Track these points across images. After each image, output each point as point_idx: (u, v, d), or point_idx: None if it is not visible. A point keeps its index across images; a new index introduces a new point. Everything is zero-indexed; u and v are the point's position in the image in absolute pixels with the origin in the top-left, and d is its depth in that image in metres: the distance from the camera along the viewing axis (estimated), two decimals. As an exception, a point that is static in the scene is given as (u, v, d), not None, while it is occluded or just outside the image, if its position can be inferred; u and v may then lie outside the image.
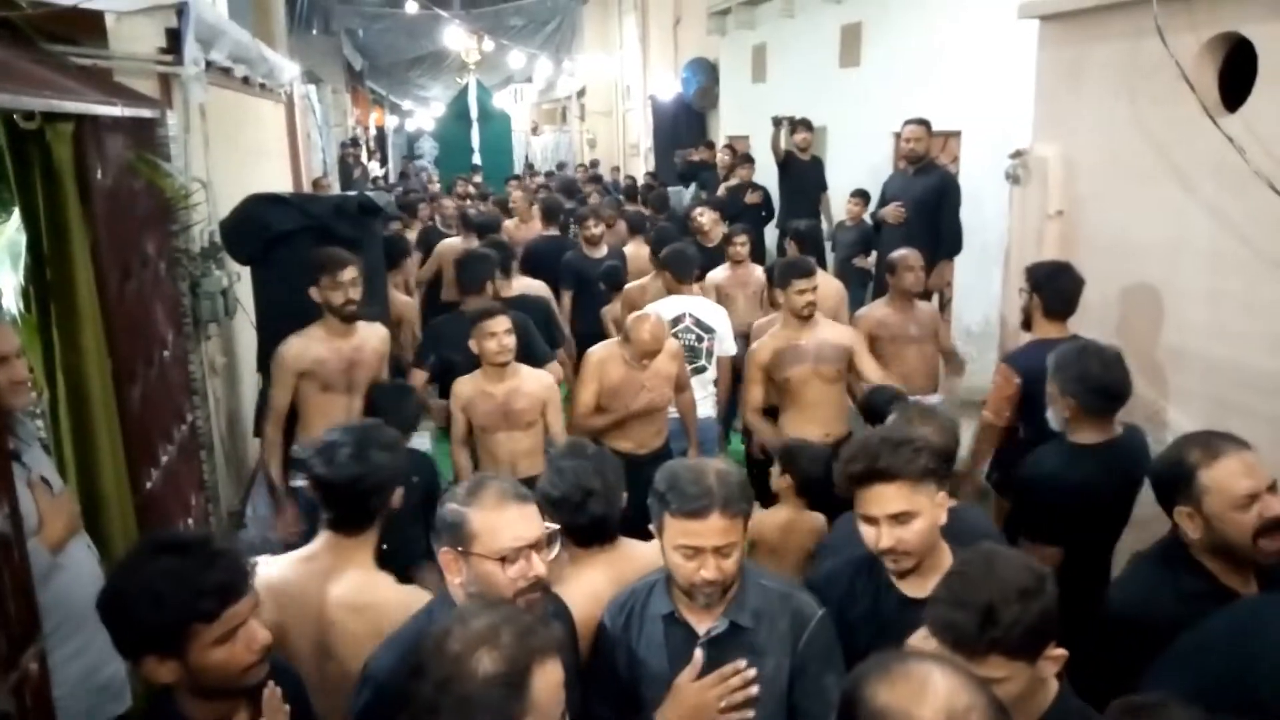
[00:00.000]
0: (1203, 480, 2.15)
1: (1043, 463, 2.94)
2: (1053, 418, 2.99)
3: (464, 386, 3.78)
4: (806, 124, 7.83)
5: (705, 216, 6.57)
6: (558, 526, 2.02)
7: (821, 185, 7.93)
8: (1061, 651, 1.73)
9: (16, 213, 3.10)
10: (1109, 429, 2.90)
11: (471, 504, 1.89)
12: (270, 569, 2.30)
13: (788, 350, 4.03)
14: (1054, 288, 3.58)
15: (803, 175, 7.87)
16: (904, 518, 2.06)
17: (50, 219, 2.78)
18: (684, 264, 4.86)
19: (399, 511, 2.47)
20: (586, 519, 2.33)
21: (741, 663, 1.96)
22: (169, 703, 1.72)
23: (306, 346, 3.73)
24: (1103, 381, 2.83)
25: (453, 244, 7.20)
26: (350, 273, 3.73)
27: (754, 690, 1.95)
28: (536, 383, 3.83)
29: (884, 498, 2.07)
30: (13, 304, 3.44)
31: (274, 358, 3.74)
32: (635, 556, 2.39)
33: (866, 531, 2.13)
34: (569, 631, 2.09)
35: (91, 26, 3.63)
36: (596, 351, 4.10)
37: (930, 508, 2.08)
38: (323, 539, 2.35)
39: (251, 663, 1.68)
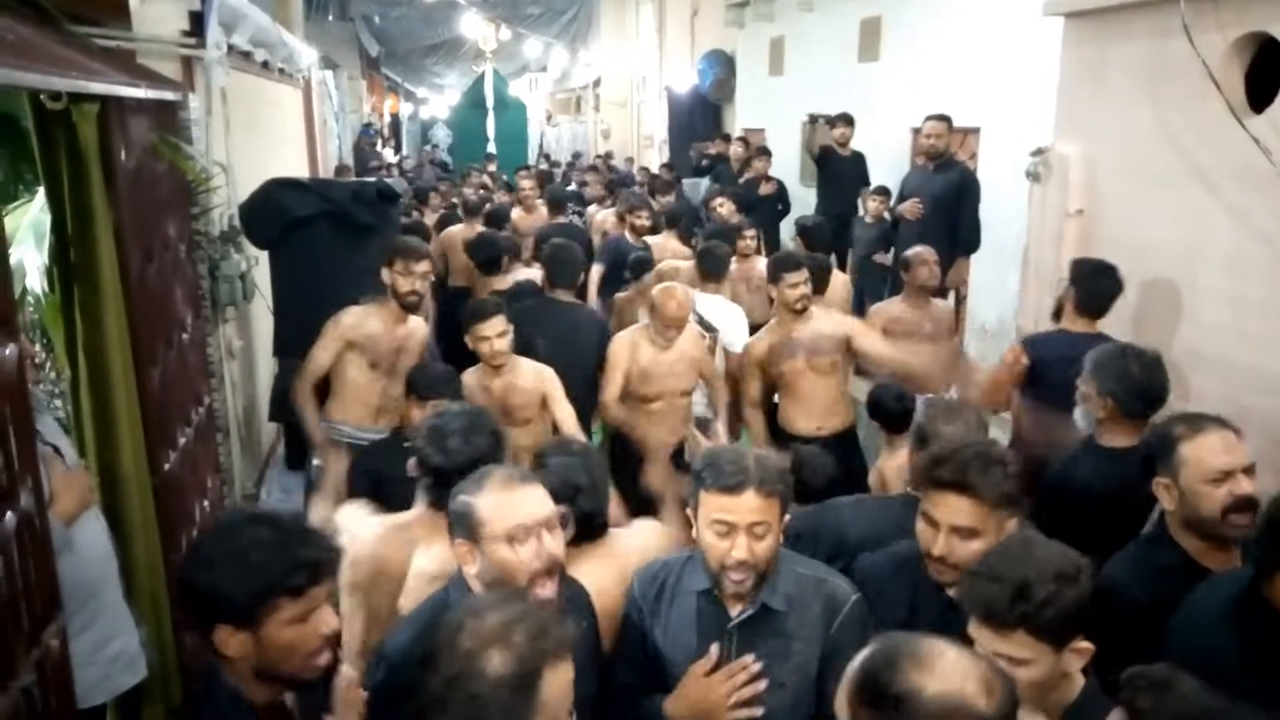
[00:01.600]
0: (1182, 452, 2.22)
1: (1074, 469, 2.90)
2: (1081, 418, 2.95)
3: (468, 378, 3.73)
4: (846, 119, 7.69)
5: (725, 208, 6.57)
6: (566, 507, 2.01)
7: (862, 180, 7.69)
8: (1088, 645, 1.74)
9: (41, 192, 3.12)
10: (1139, 433, 2.84)
11: (478, 492, 1.90)
12: (365, 529, 2.39)
13: (782, 344, 4.02)
14: (1093, 285, 3.53)
15: (841, 171, 7.75)
16: (967, 534, 2.06)
17: (75, 200, 2.79)
18: (715, 262, 4.89)
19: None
20: (576, 515, 2.29)
21: (749, 658, 1.95)
22: (221, 685, 1.71)
23: (364, 319, 3.77)
24: (1142, 384, 2.79)
25: (456, 231, 7.24)
26: (424, 266, 3.78)
27: (761, 686, 1.94)
28: (532, 378, 3.77)
29: (956, 509, 2.07)
30: (37, 283, 3.47)
31: (329, 321, 3.75)
32: (625, 550, 2.39)
33: (924, 531, 2.13)
34: (589, 617, 2.10)
35: (115, 8, 3.65)
36: (623, 337, 4.11)
37: (995, 532, 2.07)
38: (418, 511, 2.40)
39: (318, 648, 1.68)
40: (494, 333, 3.59)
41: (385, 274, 3.74)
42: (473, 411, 2.53)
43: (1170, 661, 1.65)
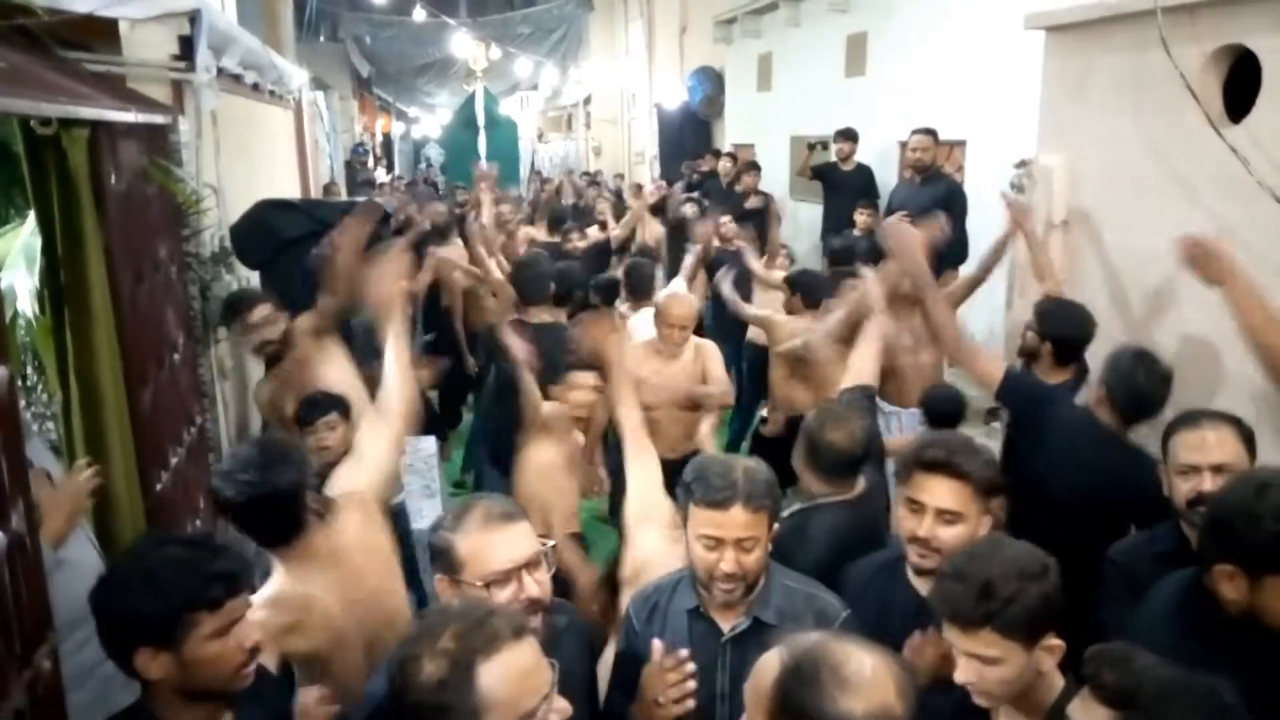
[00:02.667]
0: (1172, 442, 2.39)
1: (1064, 404, 3.04)
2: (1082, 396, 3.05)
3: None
4: (846, 134, 7.71)
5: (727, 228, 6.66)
6: (552, 543, 1.97)
7: (864, 193, 7.54)
8: (1059, 643, 1.76)
9: (32, 216, 3.14)
10: (1123, 433, 2.94)
11: (457, 529, 1.86)
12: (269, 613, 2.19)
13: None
14: (1065, 335, 3.51)
15: (842, 185, 7.75)
16: (952, 518, 2.12)
17: (65, 223, 2.81)
18: (641, 280, 5.05)
19: None
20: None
21: (683, 652, 1.90)
22: (146, 712, 1.71)
23: (266, 389, 3.79)
24: (1141, 390, 2.87)
25: (450, 251, 7.25)
26: (261, 312, 3.71)
27: (690, 686, 1.88)
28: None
29: (942, 492, 2.13)
30: (28, 306, 3.48)
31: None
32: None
33: (907, 519, 2.18)
34: (583, 644, 2.10)
35: (105, 33, 3.67)
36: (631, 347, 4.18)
37: (976, 519, 2.14)
38: (278, 568, 2.28)
39: (243, 661, 1.69)
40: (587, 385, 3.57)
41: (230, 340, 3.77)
42: (270, 444, 2.38)
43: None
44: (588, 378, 3.56)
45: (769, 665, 1.41)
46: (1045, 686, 1.79)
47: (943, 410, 3.73)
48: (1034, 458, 3.06)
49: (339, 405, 3.31)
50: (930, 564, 2.13)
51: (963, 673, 1.76)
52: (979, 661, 1.73)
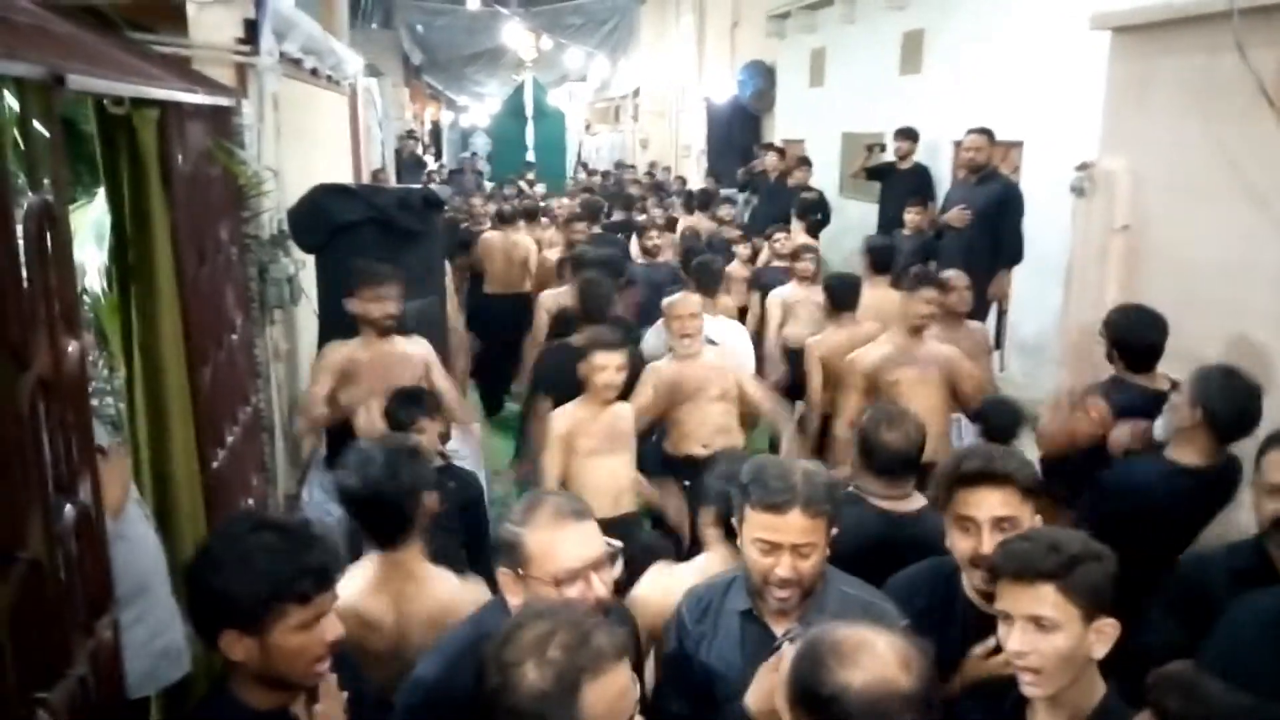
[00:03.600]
0: (1264, 460, 2.35)
1: (1134, 476, 2.90)
2: (1161, 427, 2.94)
3: (563, 413, 3.72)
4: (904, 132, 7.63)
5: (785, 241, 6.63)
6: (620, 544, 1.96)
7: (918, 193, 7.42)
8: (1112, 622, 1.74)
9: (101, 194, 3.20)
10: (1217, 454, 2.83)
11: (527, 524, 1.86)
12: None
13: (899, 356, 4.06)
14: (1136, 342, 3.39)
15: (898, 184, 7.67)
16: (1008, 524, 2.05)
17: (134, 202, 2.85)
18: (710, 275, 4.98)
19: (433, 522, 2.49)
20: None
21: None
22: (227, 690, 1.74)
23: (345, 349, 3.87)
24: (1240, 407, 2.78)
25: (493, 238, 7.36)
26: (390, 289, 3.83)
27: None
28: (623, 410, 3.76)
29: (990, 501, 2.07)
30: (96, 282, 3.55)
31: (316, 359, 3.85)
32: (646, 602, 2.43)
33: (961, 541, 2.11)
34: (631, 641, 2.10)
35: (173, 16, 3.75)
36: (651, 367, 4.18)
37: (1029, 521, 2.08)
38: (371, 563, 2.37)
39: (322, 655, 1.71)
40: (614, 365, 3.58)
41: (353, 304, 3.83)
42: (390, 438, 2.53)
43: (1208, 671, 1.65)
44: (614, 357, 3.58)
45: (787, 658, 1.49)
46: (1087, 687, 1.76)
47: (1001, 421, 3.66)
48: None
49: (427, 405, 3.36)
50: (993, 589, 2.06)
51: (1016, 641, 1.72)
52: (1034, 627, 1.70)
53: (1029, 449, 3.73)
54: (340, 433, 3.91)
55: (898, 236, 7.11)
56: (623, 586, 2.48)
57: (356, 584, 2.33)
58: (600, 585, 1.84)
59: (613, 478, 3.72)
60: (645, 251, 6.42)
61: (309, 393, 3.84)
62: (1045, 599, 1.70)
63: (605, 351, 3.59)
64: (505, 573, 1.88)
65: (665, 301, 4.21)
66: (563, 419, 3.68)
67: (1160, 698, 1.51)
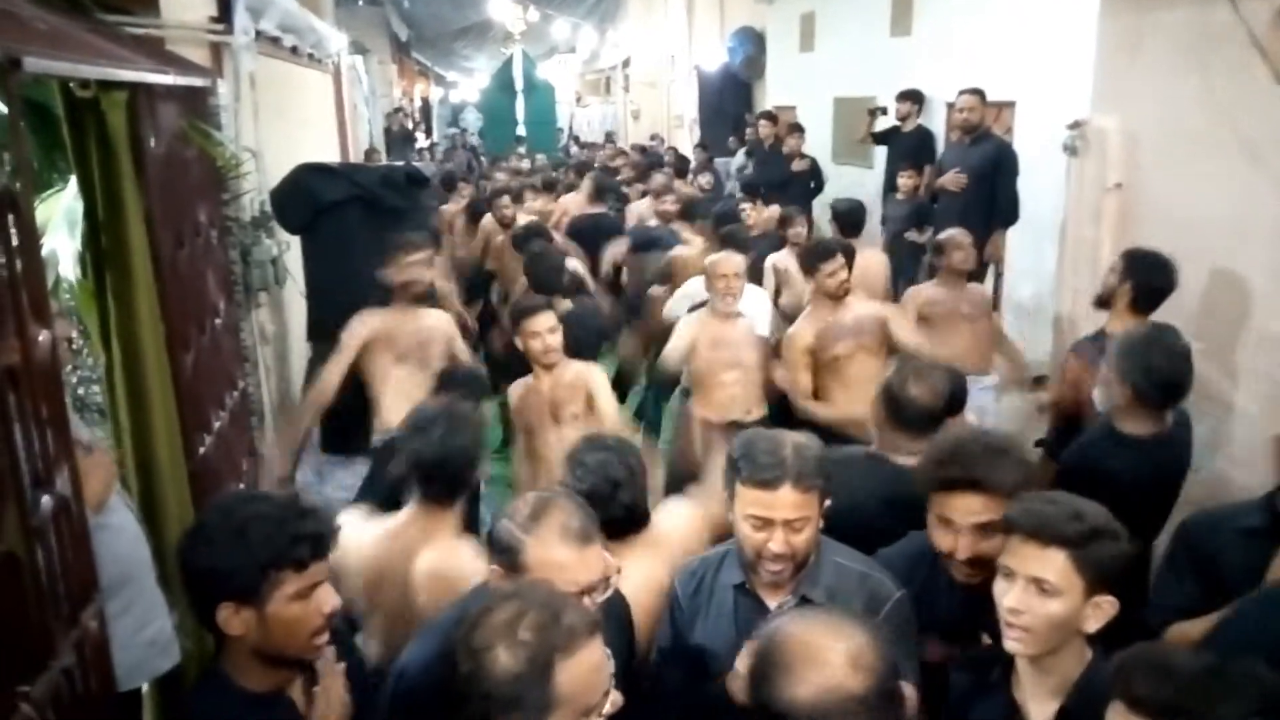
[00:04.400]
0: None
1: (1086, 452, 2.84)
2: (1100, 399, 2.90)
3: (515, 386, 3.68)
4: (906, 95, 7.52)
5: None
6: (618, 568, 1.91)
7: (915, 155, 7.28)
8: (1112, 602, 1.72)
9: (73, 180, 3.15)
10: (1160, 422, 2.78)
11: (531, 532, 1.80)
12: (360, 535, 2.39)
13: (826, 330, 3.94)
14: (1151, 282, 3.35)
15: (901, 148, 7.55)
16: (990, 529, 1.99)
17: (105, 187, 2.81)
18: (737, 244, 4.85)
19: None
20: (620, 510, 2.27)
21: None
22: (222, 673, 1.72)
23: (377, 318, 3.81)
24: (1164, 376, 2.70)
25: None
26: (420, 255, 3.82)
27: None
28: (576, 374, 3.64)
29: (972, 508, 2.02)
30: (71, 270, 3.51)
31: (344, 333, 3.77)
32: (663, 538, 2.38)
33: (941, 537, 2.07)
34: (623, 624, 2.08)
35: (144, -4, 3.67)
36: (689, 316, 4.17)
37: None
38: (412, 510, 2.41)
39: (320, 626, 1.69)
40: (544, 328, 3.50)
41: (387, 273, 3.80)
42: (450, 403, 2.54)
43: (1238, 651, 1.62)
44: (541, 319, 3.53)
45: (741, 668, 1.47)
46: (1074, 656, 1.74)
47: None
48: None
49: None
50: (976, 579, 2.01)
51: (1014, 598, 1.70)
52: (1036, 589, 1.69)
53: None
54: (336, 414, 3.87)
55: (891, 201, 7.07)
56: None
57: (394, 527, 2.38)
58: (592, 606, 1.77)
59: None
60: (660, 216, 6.42)
61: (327, 369, 3.75)
62: (1054, 564, 1.68)
63: (531, 317, 3.51)
64: (497, 569, 1.84)
65: (710, 260, 4.18)
66: (514, 393, 3.65)
67: (1127, 683, 1.45)
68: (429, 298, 3.92)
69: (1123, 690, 1.45)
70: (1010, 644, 1.73)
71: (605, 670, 1.47)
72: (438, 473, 2.38)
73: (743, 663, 1.86)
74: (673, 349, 4.05)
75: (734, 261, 4.09)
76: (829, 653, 1.36)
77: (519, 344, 3.58)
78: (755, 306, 4.69)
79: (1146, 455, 2.75)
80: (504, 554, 1.82)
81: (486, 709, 1.40)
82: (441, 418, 2.42)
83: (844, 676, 1.34)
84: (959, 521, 2.03)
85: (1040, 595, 1.68)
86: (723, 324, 4.07)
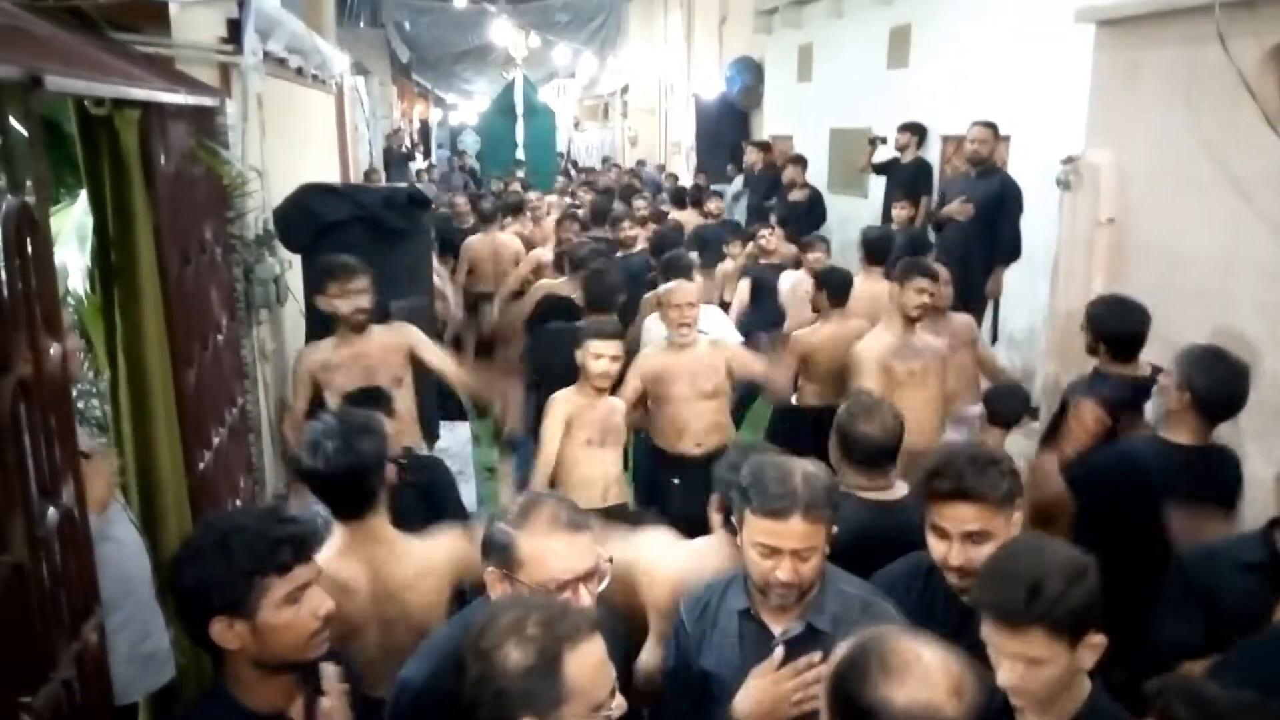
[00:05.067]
0: None
1: (1134, 458, 2.89)
2: (1152, 409, 2.94)
3: (559, 400, 3.72)
4: (906, 127, 7.63)
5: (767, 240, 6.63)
6: (610, 556, 1.93)
7: (914, 187, 7.44)
8: (1101, 639, 1.74)
9: (84, 195, 3.19)
10: (1204, 436, 2.84)
11: (523, 527, 1.84)
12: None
13: (903, 347, 4.00)
14: (1118, 331, 3.39)
15: (900, 179, 7.66)
16: (979, 537, 2.07)
17: (116, 203, 2.84)
18: (679, 270, 4.93)
19: (397, 510, 2.49)
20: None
21: (816, 656, 1.89)
22: (224, 692, 1.74)
23: (320, 351, 3.81)
24: (1226, 387, 2.78)
25: (478, 239, 7.39)
26: (359, 283, 3.74)
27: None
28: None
29: (963, 516, 2.08)
30: (79, 284, 3.54)
31: (295, 363, 3.78)
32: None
33: (935, 544, 2.14)
34: (617, 636, 2.10)
35: (155, 16, 3.71)
36: (641, 355, 4.17)
37: (1005, 529, 2.10)
38: (339, 534, 2.36)
39: (316, 629, 1.71)
40: (610, 354, 3.60)
41: (323, 302, 3.76)
42: (346, 415, 2.50)
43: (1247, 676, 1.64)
44: (609, 345, 3.60)
45: (834, 657, 1.45)
46: (1075, 689, 1.77)
47: (1007, 407, 3.66)
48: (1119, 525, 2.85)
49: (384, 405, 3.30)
50: (969, 584, 2.05)
51: (1005, 675, 1.72)
52: (1023, 663, 1.71)
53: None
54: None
55: (889, 230, 7.13)
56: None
57: (327, 553, 2.30)
58: (587, 596, 1.83)
59: (604, 469, 3.73)
60: (620, 244, 6.43)
61: (292, 409, 3.79)
62: (1033, 641, 1.69)
63: (602, 340, 3.61)
64: (493, 572, 1.87)
65: (662, 289, 4.20)
66: (561, 405, 3.68)
67: (1167, 706, 1.48)
68: (377, 320, 3.86)
69: (1163, 711, 1.49)
70: (1015, 702, 1.76)
71: (609, 670, 1.50)
72: (337, 487, 2.34)
73: (744, 698, 1.92)
74: (625, 398, 3.96)
75: (688, 291, 4.10)
76: (937, 672, 1.36)
77: (577, 357, 3.64)
78: (716, 324, 4.74)
79: (1186, 463, 2.80)
80: (499, 553, 1.85)
81: (499, 708, 1.43)
82: (334, 431, 2.36)
83: (943, 699, 1.34)
84: (951, 530, 2.10)
85: (1030, 667, 1.71)
86: (678, 355, 4.05)
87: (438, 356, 4.03)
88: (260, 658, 1.70)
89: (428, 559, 2.39)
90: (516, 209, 8.36)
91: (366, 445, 2.34)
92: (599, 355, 3.59)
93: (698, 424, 4.05)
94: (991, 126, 6.14)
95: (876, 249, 5.41)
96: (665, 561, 2.43)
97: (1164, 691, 1.50)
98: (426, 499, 3.10)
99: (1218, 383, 2.76)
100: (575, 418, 3.67)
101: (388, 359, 3.85)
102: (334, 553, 2.31)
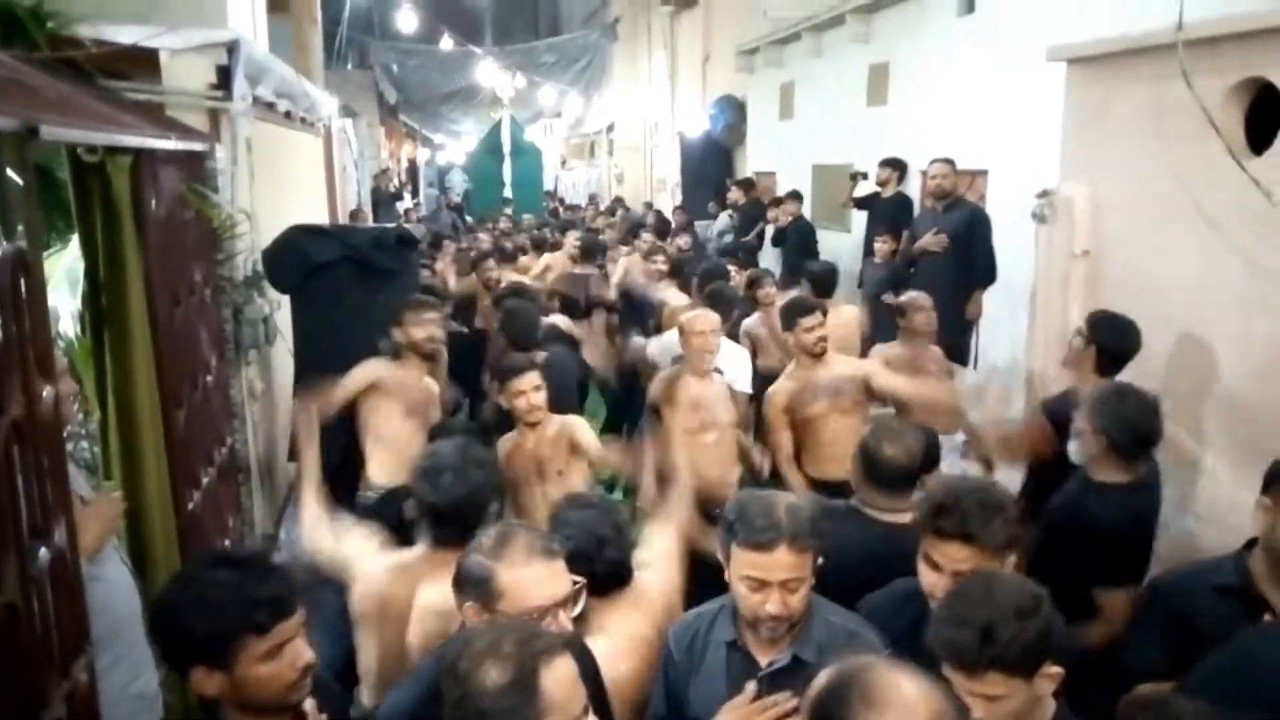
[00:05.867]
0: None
1: (1066, 503, 2.93)
2: (1075, 452, 2.99)
3: (503, 443, 3.69)
4: (886, 162, 7.73)
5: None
6: (584, 580, 1.98)
7: (891, 221, 7.47)
8: (1058, 670, 1.77)
9: (75, 240, 3.23)
10: (1134, 471, 2.89)
11: (500, 558, 1.86)
12: (372, 566, 2.44)
13: (802, 389, 3.98)
14: (1115, 344, 3.48)
15: (881, 213, 7.74)
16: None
17: (107, 247, 2.89)
18: (723, 302, 4.96)
19: None
20: (605, 567, 2.31)
21: (787, 694, 1.89)
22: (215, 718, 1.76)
23: (391, 368, 3.91)
24: (1137, 426, 2.82)
25: (473, 281, 7.42)
26: (434, 314, 3.95)
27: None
28: (558, 428, 3.68)
29: (958, 557, 2.10)
30: (70, 328, 3.57)
31: (357, 367, 3.87)
32: (649, 592, 2.41)
33: (927, 574, 2.16)
34: (590, 669, 2.12)
35: (146, 64, 3.78)
36: (663, 374, 4.20)
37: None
38: (421, 550, 2.46)
39: (294, 680, 1.72)
40: (529, 387, 3.57)
41: (398, 332, 3.88)
42: (463, 446, 2.58)
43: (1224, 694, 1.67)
44: (526, 379, 3.59)
45: (815, 684, 1.46)
46: (1039, 712, 1.80)
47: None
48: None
49: None
50: None
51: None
52: (984, 701, 1.74)
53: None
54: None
55: (869, 264, 7.24)
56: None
57: (426, 588, 2.35)
58: (566, 621, 1.87)
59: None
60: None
61: (330, 393, 3.75)
62: (990, 683, 1.73)
63: (516, 376, 3.58)
64: (471, 606, 1.88)
65: (684, 318, 4.23)
66: (501, 449, 3.63)
67: (1131, 718, 1.53)
68: (434, 356, 4.00)
69: None
70: None
71: (581, 689, 1.53)
72: (451, 514, 2.42)
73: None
74: (652, 396, 4.06)
75: (709, 319, 4.12)
76: (919, 703, 1.37)
77: (503, 402, 3.63)
78: (735, 364, 4.76)
79: (1123, 502, 2.84)
80: (476, 586, 1.87)
81: None
82: (454, 459, 2.46)
83: None
84: (944, 566, 2.12)
85: (990, 703, 1.74)
86: (699, 383, 4.06)
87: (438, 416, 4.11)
88: (240, 703, 1.71)
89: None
90: (539, 244, 8.54)
91: (480, 478, 2.45)
92: (520, 392, 3.55)
93: (723, 453, 4.09)
94: (949, 162, 6.33)
95: (822, 283, 5.50)
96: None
97: (1128, 708, 1.53)
98: None
99: (1129, 424, 2.81)
100: (511, 461, 3.62)
101: (433, 399, 3.99)
102: (433, 581, 2.32)
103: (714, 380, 4.12)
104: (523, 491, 3.65)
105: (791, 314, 4.09)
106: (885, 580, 2.37)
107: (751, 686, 1.96)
